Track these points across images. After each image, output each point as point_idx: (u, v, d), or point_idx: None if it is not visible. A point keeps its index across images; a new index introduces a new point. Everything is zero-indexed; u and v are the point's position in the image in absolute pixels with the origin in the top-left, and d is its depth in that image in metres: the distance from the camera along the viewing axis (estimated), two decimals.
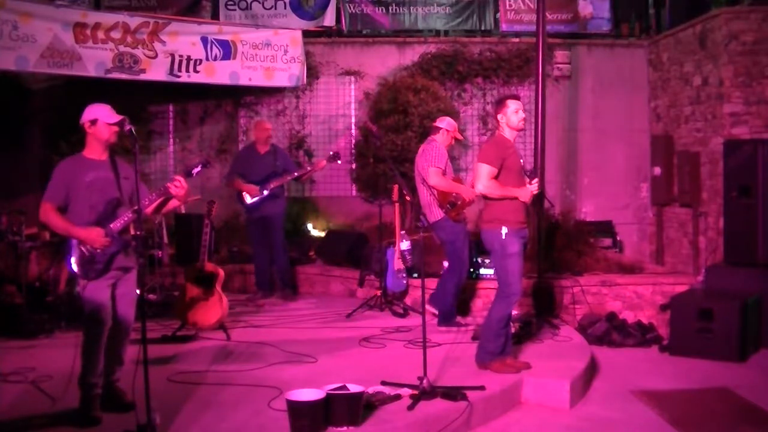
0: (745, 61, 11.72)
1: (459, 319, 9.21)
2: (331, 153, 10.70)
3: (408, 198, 7.68)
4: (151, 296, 10.15)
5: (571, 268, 10.89)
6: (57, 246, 9.38)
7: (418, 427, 5.94)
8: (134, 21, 12.22)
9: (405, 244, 10.23)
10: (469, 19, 14.66)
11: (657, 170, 13.77)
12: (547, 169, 11.20)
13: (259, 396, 6.33)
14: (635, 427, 6.66)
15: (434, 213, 8.78)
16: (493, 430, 6.46)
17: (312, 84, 14.22)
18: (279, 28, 13.66)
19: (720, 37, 11.92)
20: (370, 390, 6.21)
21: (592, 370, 8.02)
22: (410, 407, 6.10)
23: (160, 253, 10.60)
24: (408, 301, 10.25)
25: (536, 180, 7.30)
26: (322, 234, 13.21)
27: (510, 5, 14.64)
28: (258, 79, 13.28)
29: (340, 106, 14.50)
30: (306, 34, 13.83)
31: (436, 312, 9.05)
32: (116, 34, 11.99)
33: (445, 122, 9.25)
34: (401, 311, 9.84)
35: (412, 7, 14.59)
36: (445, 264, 9.38)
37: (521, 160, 7.30)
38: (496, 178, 7.04)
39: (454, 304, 9.08)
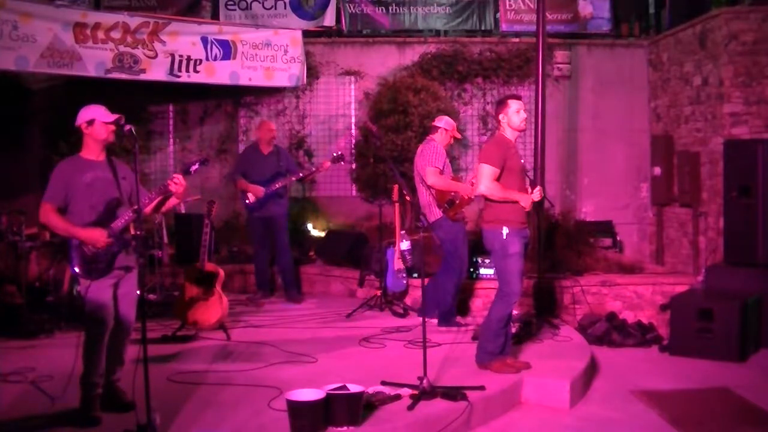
0: (745, 61, 11.72)
1: (459, 319, 9.21)
2: (336, 154, 10.71)
3: (408, 198, 7.67)
4: (151, 296, 10.15)
5: (571, 268, 10.89)
6: (57, 246, 9.39)
7: (418, 427, 5.94)
8: (134, 21, 12.22)
9: (405, 244, 10.23)
10: (469, 19, 14.66)
11: (657, 170, 13.78)
12: (547, 169, 11.22)
13: (259, 396, 6.33)
14: (635, 427, 6.66)
15: (433, 212, 8.79)
16: (493, 430, 6.46)
17: (312, 84, 14.22)
18: (279, 28, 13.65)
19: (720, 37, 11.92)
20: (370, 390, 6.21)
21: (592, 370, 8.02)
22: (410, 407, 6.11)
23: (160, 253, 10.60)
24: (408, 301, 10.26)
25: (538, 188, 7.32)
26: (322, 234, 13.20)
27: (510, 5, 14.63)
28: (258, 79, 13.28)
29: (340, 106, 14.50)
30: (306, 34, 13.82)
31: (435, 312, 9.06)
32: (116, 34, 11.99)
33: (443, 121, 9.27)
34: (401, 311, 9.84)
35: (412, 7, 14.58)
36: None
37: (522, 160, 7.31)
38: (498, 178, 7.04)
39: (454, 304, 9.09)
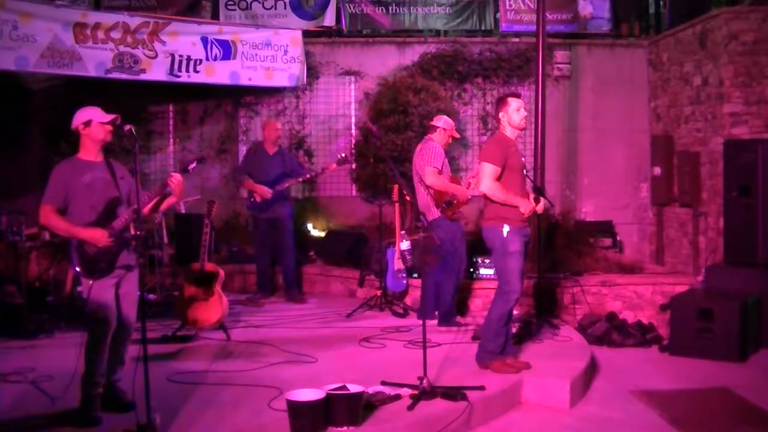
0: (745, 61, 11.72)
1: (459, 319, 9.22)
2: (341, 156, 10.73)
3: (408, 198, 7.70)
4: (151, 296, 10.15)
5: (571, 268, 10.91)
6: (57, 246, 9.39)
7: (418, 427, 5.94)
8: (134, 21, 12.23)
9: (405, 244, 10.24)
10: (469, 19, 14.66)
11: (657, 170, 13.78)
12: (547, 169, 11.22)
13: (259, 396, 6.33)
14: (635, 427, 6.66)
15: (432, 212, 8.81)
16: (493, 430, 6.46)
17: (312, 84, 14.21)
18: (279, 28, 13.66)
19: (720, 37, 11.92)
20: (370, 390, 6.21)
21: (592, 370, 8.02)
22: (410, 407, 6.11)
23: (160, 253, 10.59)
24: (408, 301, 10.26)
25: (543, 202, 7.34)
26: (322, 234, 13.21)
27: (510, 5, 14.63)
28: (258, 79, 13.29)
29: (340, 106, 14.49)
30: (306, 34, 13.83)
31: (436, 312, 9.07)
32: (116, 34, 12.00)
33: (441, 121, 9.30)
34: (401, 311, 9.85)
35: (412, 7, 14.57)
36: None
37: (522, 159, 7.31)
38: (499, 177, 7.03)
39: (453, 304, 9.10)
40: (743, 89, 11.74)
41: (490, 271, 9.79)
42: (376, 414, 5.99)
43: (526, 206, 7.04)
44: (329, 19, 14.27)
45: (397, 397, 6.29)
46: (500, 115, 7.19)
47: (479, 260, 10.00)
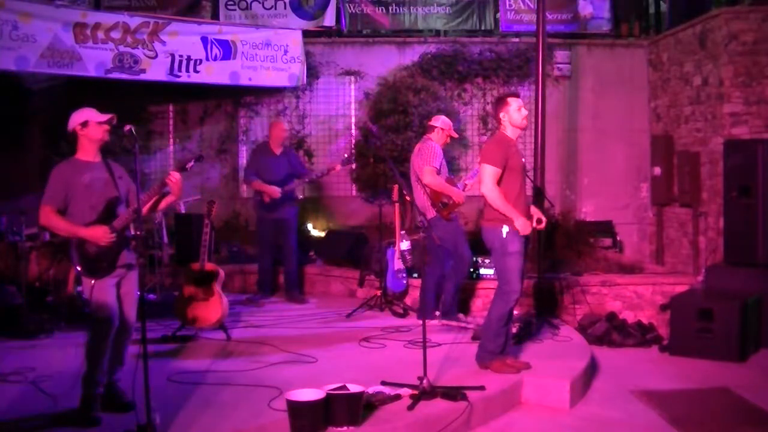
0: (745, 61, 11.72)
1: (460, 315, 9.23)
2: (346, 156, 10.75)
3: (408, 198, 7.72)
4: (152, 296, 10.15)
5: (571, 268, 10.92)
6: (57, 246, 9.40)
7: (418, 427, 5.95)
8: (134, 21, 12.24)
9: (405, 244, 10.24)
10: (469, 19, 14.66)
11: (657, 170, 13.78)
12: (547, 169, 11.23)
13: (259, 396, 6.33)
14: (635, 427, 6.66)
15: (430, 211, 8.83)
16: (493, 430, 6.46)
17: (312, 84, 14.21)
18: (279, 28, 13.67)
19: (720, 37, 11.92)
20: (370, 390, 6.21)
21: (592, 370, 8.01)
22: (410, 407, 6.11)
23: (160, 253, 10.60)
24: (408, 301, 10.25)
25: (544, 220, 7.37)
26: (322, 234, 13.21)
27: (510, 5, 14.63)
28: (258, 79, 13.29)
29: (340, 106, 14.49)
30: (306, 34, 13.83)
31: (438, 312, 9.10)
32: (116, 34, 12.01)
33: (439, 121, 9.33)
34: (401, 311, 9.85)
35: (412, 7, 14.58)
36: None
37: (523, 159, 7.31)
38: (500, 178, 7.03)
39: (454, 303, 9.11)
40: (743, 89, 11.74)
41: (491, 271, 9.79)
42: (376, 414, 5.99)
43: (523, 225, 6.99)
44: (329, 19, 14.27)
45: (397, 397, 6.29)
46: (501, 115, 7.18)
47: (479, 260, 10.00)
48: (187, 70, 12.61)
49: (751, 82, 11.71)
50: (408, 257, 10.21)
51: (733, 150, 10.16)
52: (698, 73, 12.69)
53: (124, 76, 12.13)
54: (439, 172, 8.90)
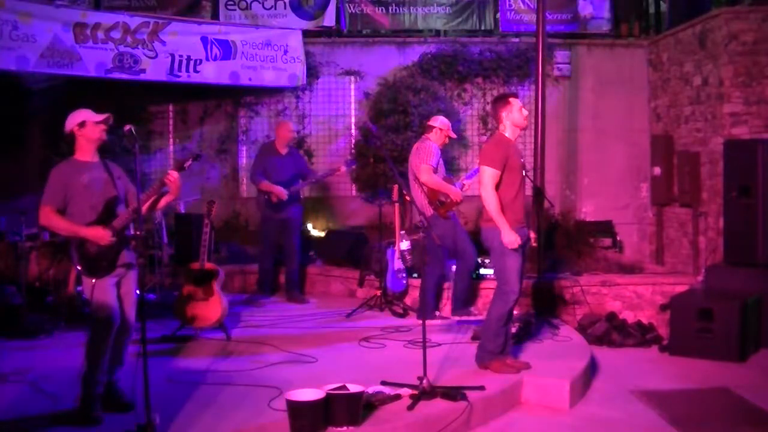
0: (745, 61, 11.71)
1: (472, 309, 9.32)
2: (350, 157, 10.77)
3: (408, 198, 7.73)
4: (151, 296, 10.15)
5: (571, 268, 10.93)
6: (57, 246, 9.39)
7: (417, 427, 5.95)
8: (134, 21, 12.24)
9: (405, 244, 10.24)
10: (469, 19, 14.66)
11: (657, 170, 13.77)
12: (547, 169, 11.22)
13: (258, 396, 6.34)
14: (635, 428, 6.66)
15: (428, 210, 8.87)
16: (493, 430, 6.47)
17: (312, 84, 14.19)
18: (279, 28, 13.67)
19: (720, 37, 11.91)
20: (370, 390, 6.21)
21: (591, 370, 8.01)
22: (410, 407, 6.11)
23: (160, 253, 10.60)
24: (408, 301, 10.25)
25: (534, 237, 7.43)
26: (322, 234, 13.21)
27: (510, 5, 14.63)
28: (258, 79, 13.30)
29: (340, 106, 14.48)
30: (306, 34, 13.83)
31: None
32: (116, 34, 12.01)
33: (438, 121, 9.40)
34: (401, 311, 9.85)
35: (412, 7, 14.57)
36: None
37: (522, 159, 7.31)
38: (499, 179, 7.02)
39: (470, 296, 9.18)
40: (743, 89, 11.74)
41: (491, 271, 9.80)
42: (375, 414, 5.99)
43: (509, 240, 6.97)
44: (329, 19, 14.26)
45: (397, 397, 6.29)
46: (503, 114, 7.17)
47: (480, 260, 10.00)
48: (187, 70, 12.61)
49: (751, 82, 11.70)
50: (408, 257, 10.22)
51: (733, 150, 10.16)
52: (698, 73, 12.69)
53: (124, 76, 12.13)
54: (436, 171, 8.96)
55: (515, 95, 7.36)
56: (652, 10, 15.27)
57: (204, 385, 6.72)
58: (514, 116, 7.15)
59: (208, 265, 8.53)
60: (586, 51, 14.75)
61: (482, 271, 10.07)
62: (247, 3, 14.20)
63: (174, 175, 6.08)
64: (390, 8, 14.57)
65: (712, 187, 12.12)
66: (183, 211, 11.61)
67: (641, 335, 9.59)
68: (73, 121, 6.08)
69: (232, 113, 14.36)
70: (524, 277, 7.36)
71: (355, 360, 7.71)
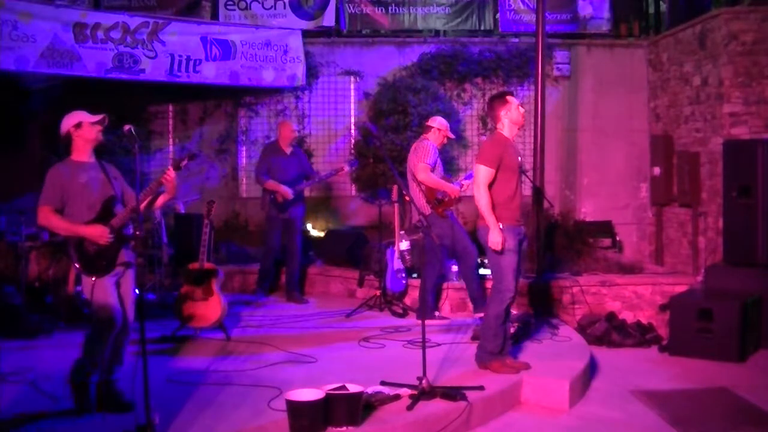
0: (745, 61, 11.71)
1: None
2: (352, 157, 10.78)
3: (407, 198, 7.74)
4: (151, 296, 10.15)
5: (571, 268, 10.92)
6: (57, 246, 9.39)
7: (417, 427, 5.95)
8: (134, 21, 12.24)
9: (404, 244, 10.24)
10: (469, 19, 14.66)
11: (656, 170, 13.76)
12: (546, 168, 11.21)
13: (258, 396, 6.34)
14: (635, 428, 6.66)
15: (426, 209, 8.88)
16: (492, 430, 6.47)
17: (311, 84, 14.19)
18: (278, 28, 13.67)
19: (720, 37, 11.91)
20: (370, 390, 6.21)
21: (591, 370, 8.01)
22: (409, 407, 6.11)
23: (159, 253, 10.60)
24: (407, 301, 10.25)
25: (526, 244, 7.43)
26: (322, 234, 13.21)
27: (510, 5, 14.62)
28: (258, 79, 13.30)
29: (339, 107, 14.48)
30: (305, 34, 13.84)
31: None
32: (116, 34, 12.02)
33: (436, 122, 9.47)
34: (401, 311, 9.85)
35: (411, 7, 14.57)
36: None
37: (519, 158, 7.31)
38: (493, 178, 7.03)
39: (482, 293, 9.19)
40: (743, 89, 11.73)
41: (489, 271, 9.80)
42: (375, 414, 5.99)
43: (495, 240, 6.95)
44: (329, 19, 14.25)
45: (397, 397, 6.29)
46: (501, 113, 7.17)
47: (479, 260, 9.99)
48: (187, 70, 12.62)
49: (751, 82, 11.70)
50: (407, 257, 10.22)
51: (733, 150, 10.15)
52: (698, 73, 12.69)
53: (123, 76, 12.14)
54: (434, 170, 8.99)
55: (512, 93, 7.37)
56: (651, 10, 15.27)
57: (204, 385, 6.71)
58: (513, 114, 7.16)
59: (208, 265, 8.53)
60: (585, 51, 14.75)
61: (481, 271, 10.06)
62: (246, 3, 14.19)
63: (171, 174, 6.13)
64: (390, 8, 14.56)
65: (711, 187, 12.12)
66: (183, 212, 11.62)
67: (641, 335, 9.60)
68: (69, 122, 6.15)
69: (232, 113, 14.36)
70: (522, 276, 7.36)
71: (355, 360, 7.71)
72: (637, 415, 6.96)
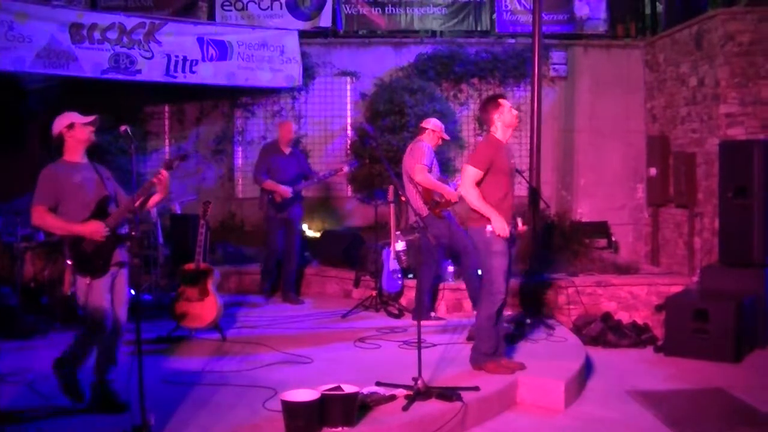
0: (741, 62, 11.71)
1: None
2: (352, 158, 10.79)
3: (403, 198, 7.75)
4: (147, 296, 10.15)
5: (567, 269, 10.93)
6: (52, 247, 9.38)
7: (413, 428, 5.96)
8: (130, 21, 12.23)
9: (400, 245, 10.24)
10: (465, 19, 14.66)
11: (653, 171, 13.76)
12: (542, 169, 11.23)
13: (254, 396, 6.33)
14: (630, 428, 6.67)
15: (424, 210, 8.89)
16: (488, 431, 6.47)
17: (308, 84, 14.19)
18: (275, 29, 13.67)
19: (716, 38, 11.91)
20: (365, 390, 6.22)
21: (587, 370, 8.02)
22: (405, 408, 6.12)
23: (155, 253, 10.60)
24: (403, 301, 10.26)
25: (525, 227, 7.40)
26: (318, 234, 13.21)
27: (506, 6, 14.64)
28: (254, 80, 13.30)
29: (336, 107, 14.47)
30: (302, 34, 13.84)
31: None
32: (112, 35, 12.01)
33: (431, 123, 9.51)
34: (396, 312, 9.85)
35: (408, 8, 14.58)
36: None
37: (512, 161, 7.31)
38: (483, 179, 7.04)
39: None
40: (739, 90, 11.73)
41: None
42: (370, 414, 6.00)
43: (500, 225, 6.98)
44: (325, 20, 14.24)
45: (392, 397, 6.29)
46: (494, 116, 7.18)
47: None
48: (183, 71, 12.61)
49: (747, 82, 11.70)
50: (403, 258, 10.22)
51: (729, 151, 10.15)
52: (694, 73, 12.69)
53: (120, 76, 12.13)
54: (430, 171, 8.98)
55: (505, 96, 7.40)
56: (648, 10, 15.28)
57: (199, 386, 6.72)
58: (506, 117, 7.17)
59: (203, 266, 8.53)
60: (582, 52, 14.75)
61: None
62: (243, 3, 14.19)
63: (164, 174, 6.16)
64: (386, 9, 14.57)
65: (707, 188, 12.13)
66: (179, 212, 11.61)
67: (636, 336, 9.61)
68: (61, 123, 6.16)
69: (229, 114, 14.36)
70: (510, 276, 7.36)
71: (351, 360, 7.71)
72: (633, 415, 6.97)
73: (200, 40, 12.76)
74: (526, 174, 10.84)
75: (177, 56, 12.56)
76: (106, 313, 5.95)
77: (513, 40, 14.58)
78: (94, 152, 6.31)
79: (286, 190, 10.42)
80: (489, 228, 6.97)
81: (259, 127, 14.20)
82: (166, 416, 5.79)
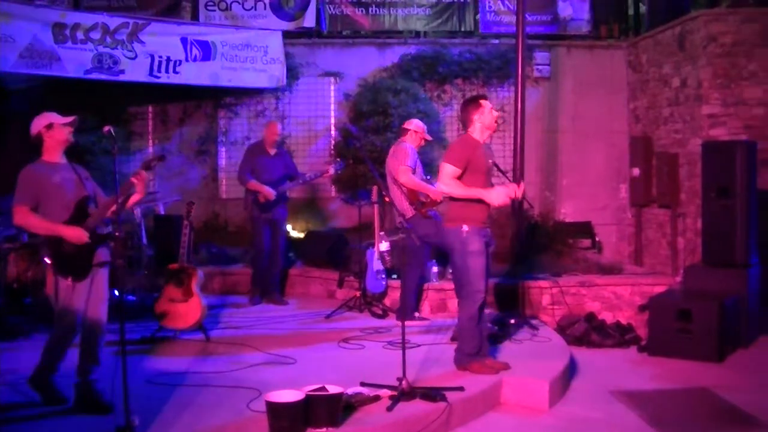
0: (724, 63, 11.75)
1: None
2: (337, 160, 10.79)
3: (387, 199, 7.75)
4: (131, 297, 10.12)
5: (550, 269, 10.94)
6: (36, 248, 9.33)
7: (397, 428, 5.95)
8: (113, 21, 12.19)
9: (384, 245, 10.23)
10: (449, 20, 14.67)
11: (636, 171, 13.80)
12: (526, 170, 11.21)
13: (238, 397, 6.32)
14: (614, 427, 6.69)
15: (408, 211, 8.89)
16: (472, 431, 6.47)
17: (292, 85, 14.16)
18: (259, 29, 13.65)
19: (699, 39, 11.96)
20: (350, 391, 6.21)
21: (571, 370, 8.04)
22: (389, 408, 6.11)
23: (139, 254, 10.57)
24: (387, 302, 10.25)
25: (522, 188, 7.38)
26: (302, 235, 13.19)
27: (490, 6, 14.65)
28: (238, 80, 13.27)
29: (319, 108, 14.45)
30: (286, 35, 13.81)
31: None
32: (95, 35, 11.96)
33: (413, 124, 9.55)
34: (380, 312, 9.85)
35: (392, 8, 14.56)
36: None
37: (491, 161, 7.30)
38: (459, 178, 7.04)
39: None
40: (721, 91, 11.77)
41: None
42: (355, 415, 5.99)
43: (497, 194, 7.01)
44: (309, 20, 14.22)
45: (377, 398, 6.29)
46: (474, 117, 7.19)
47: None
48: (167, 71, 12.57)
49: (730, 83, 11.74)
50: (387, 258, 10.21)
51: (712, 151, 10.19)
52: (677, 74, 12.74)
53: (103, 76, 12.08)
54: (414, 172, 8.97)
55: (486, 97, 7.39)
56: (631, 11, 15.33)
57: (183, 387, 6.70)
58: (485, 119, 7.18)
59: (187, 266, 8.51)
60: (565, 52, 14.79)
61: None
62: (227, 4, 14.16)
63: (143, 174, 6.15)
64: (370, 9, 14.56)
65: (690, 189, 12.17)
66: (162, 213, 11.58)
67: (620, 336, 9.64)
68: (39, 123, 6.16)
69: (212, 114, 14.33)
70: (489, 275, 7.35)
71: (335, 361, 7.71)
72: (617, 415, 6.99)
73: (184, 41, 12.72)
74: (510, 174, 10.85)
75: (160, 56, 12.52)
76: (76, 315, 5.98)
77: (497, 41, 14.60)
78: (77, 152, 6.29)
79: (270, 192, 10.39)
80: (465, 228, 6.99)
81: (242, 128, 14.17)
82: (150, 417, 5.76)
